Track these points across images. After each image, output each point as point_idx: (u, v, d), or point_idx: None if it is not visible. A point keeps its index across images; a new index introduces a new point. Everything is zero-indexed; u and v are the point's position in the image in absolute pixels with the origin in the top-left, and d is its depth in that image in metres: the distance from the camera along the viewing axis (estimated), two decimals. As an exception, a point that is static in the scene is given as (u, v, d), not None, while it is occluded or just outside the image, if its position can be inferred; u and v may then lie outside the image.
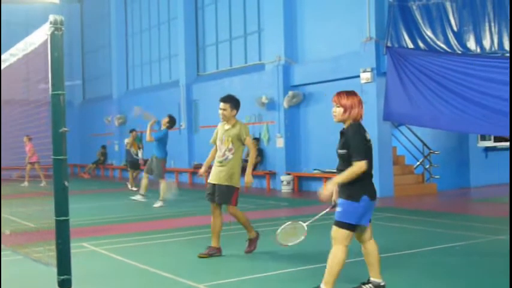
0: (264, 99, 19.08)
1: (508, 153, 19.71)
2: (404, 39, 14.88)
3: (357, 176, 5.40)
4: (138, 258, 7.93)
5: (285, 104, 18.39)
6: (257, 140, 19.83)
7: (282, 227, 6.07)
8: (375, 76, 15.73)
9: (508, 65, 12.94)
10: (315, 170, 17.86)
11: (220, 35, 23.14)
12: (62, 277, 5.12)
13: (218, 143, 8.21)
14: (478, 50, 13.55)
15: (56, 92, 5.01)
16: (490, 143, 19.08)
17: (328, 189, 5.53)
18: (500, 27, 13.10)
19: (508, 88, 12.61)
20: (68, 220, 5.10)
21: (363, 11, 16.03)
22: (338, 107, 5.71)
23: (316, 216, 5.94)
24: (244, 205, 14.51)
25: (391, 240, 9.31)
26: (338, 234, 5.49)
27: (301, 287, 6.46)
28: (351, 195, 5.47)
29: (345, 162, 5.55)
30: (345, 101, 5.69)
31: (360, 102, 5.74)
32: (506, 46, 13.03)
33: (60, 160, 5.04)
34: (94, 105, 32.96)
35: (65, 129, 5.02)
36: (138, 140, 21.16)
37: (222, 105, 8.20)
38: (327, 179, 17.30)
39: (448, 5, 14.09)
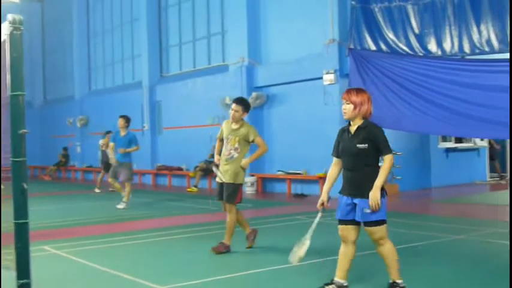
0: (227, 101, 19.05)
1: (468, 154, 20.03)
2: (367, 42, 15.00)
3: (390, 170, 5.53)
4: (99, 260, 7.84)
5: (249, 105, 18.39)
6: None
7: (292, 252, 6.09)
8: (337, 78, 15.84)
9: (468, 67, 13.14)
10: (278, 171, 17.91)
11: (184, 36, 23.06)
12: (21, 281, 5.03)
13: (224, 141, 8.49)
14: (439, 53, 13.72)
15: (15, 93, 4.93)
16: (450, 144, 19.35)
17: (377, 197, 5.44)
18: (460, 30, 13.28)
19: (471, 91, 12.81)
20: (27, 223, 5.02)
21: (325, 13, 16.13)
22: (348, 104, 5.70)
23: (313, 226, 5.99)
24: (207, 207, 14.50)
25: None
26: (383, 231, 5.58)
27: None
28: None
29: (361, 158, 5.62)
30: (355, 98, 5.69)
31: (369, 99, 5.77)
32: (466, 49, 13.22)
33: (19, 162, 4.96)
34: (55, 106, 32.54)
35: (25, 130, 4.94)
36: None
37: (234, 106, 8.48)
38: (291, 180, 17.37)
39: (409, 8, 14.24)
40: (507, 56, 13.52)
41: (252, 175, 18.42)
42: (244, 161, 8.34)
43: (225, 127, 8.58)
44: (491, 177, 20.65)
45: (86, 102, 29.15)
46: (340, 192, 5.82)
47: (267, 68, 18.53)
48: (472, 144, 20.15)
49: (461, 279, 6.50)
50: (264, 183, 18.54)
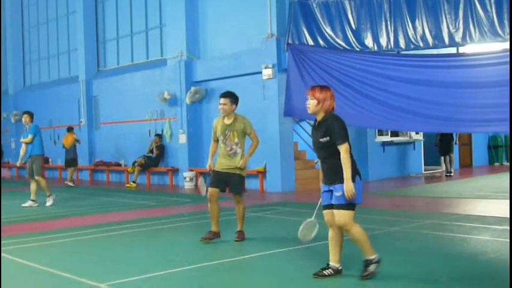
0: (166, 95, 18.94)
1: (403, 147, 20.42)
2: (305, 36, 15.14)
3: (349, 157, 5.95)
4: (37, 259, 7.69)
5: (187, 100, 18.32)
6: (159, 136, 19.65)
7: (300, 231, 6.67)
8: (276, 72, 15.91)
9: (404, 62, 13.42)
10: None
11: (121, 29, 22.78)
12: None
13: (221, 138, 8.47)
14: (375, 48, 13.96)
15: None
16: (387, 138, 19.68)
17: (351, 187, 5.92)
18: (396, 25, 13.54)
19: (406, 85, 13.09)
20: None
21: (264, 8, 16.17)
22: (312, 99, 6.16)
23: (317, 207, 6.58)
24: (145, 202, 14.41)
25: (291, 234, 9.42)
26: (348, 216, 6.04)
27: (204, 283, 6.46)
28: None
29: (327, 149, 6.05)
30: (319, 94, 6.15)
31: (332, 96, 6.21)
32: (402, 44, 13.49)
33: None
34: (-12, 102, 31.67)
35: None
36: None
37: (222, 100, 8.52)
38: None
39: (346, 4, 14.43)
40: (441, 51, 13.90)
41: (191, 170, 18.36)
42: (242, 162, 8.40)
43: (218, 124, 8.57)
44: (425, 170, 21.11)
45: (20, 97, 28.45)
46: (322, 182, 6.26)
47: (206, 62, 18.48)
48: (407, 138, 20.54)
49: (399, 270, 6.62)
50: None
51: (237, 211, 8.70)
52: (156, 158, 19.73)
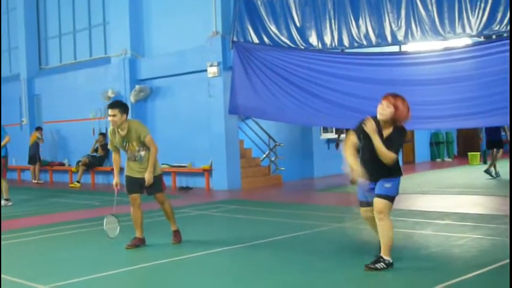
0: (110, 93, 18.70)
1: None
2: (250, 34, 15.17)
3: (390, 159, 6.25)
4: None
5: (132, 99, 18.12)
6: (103, 135, 19.40)
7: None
8: (221, 70, 15.89)
9: (348, 60, 13.59)
10: (163, 164, 17.73)
11: (64, 27, 22.41)
12: None
13: (122, 149, 8.11)
14: (320, 46, 14.09)
15: None
16: (331, 135, 19.85)
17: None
18: (340, 24, 13.69)
19: (350, 83, 13.25)
20: None
21: (209, 5, 16.13)
22: (389, 107, 6.20)
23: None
24: (89, 202, 14.22)
25: (238, 231, 9.45)
26: (387, 206, 6.31)
27: (150, 283, 6.42)
28: (396, 172, 6.37)
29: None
30: (401, 104, 6.18)
31: (409, 110, 6.25)
32: (345, 42, 13.65)
33: None
34: None
35: None
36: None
37: (110, 111, 7.94)
38: (176, 173, 17.29)
39: (291, 2, 14.53)
40: (384, 49, 14.12)
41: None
42: (148, 179, 7.96)
43: (114, 136, 8.11)
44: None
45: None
46: (367, 180, 6.48)
47: (150, 60, 18.34)
48: (352, 135, 20.71)
49: (345, 266, 6.69)
50: (148, 176, 18.30)
51: (164, 212, 8.39)
52: (100, 157, 19.52)
